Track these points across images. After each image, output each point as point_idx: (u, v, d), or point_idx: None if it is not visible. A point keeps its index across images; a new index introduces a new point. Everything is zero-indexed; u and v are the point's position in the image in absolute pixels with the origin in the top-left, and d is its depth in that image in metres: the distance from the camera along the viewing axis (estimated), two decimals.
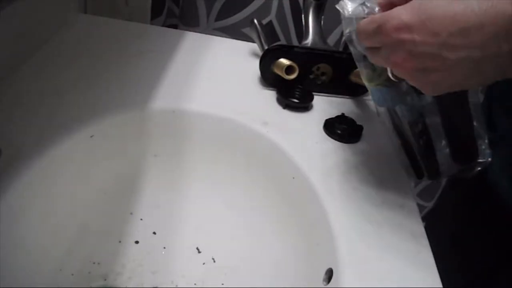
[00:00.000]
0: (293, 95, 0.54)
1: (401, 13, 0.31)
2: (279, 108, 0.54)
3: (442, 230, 0.55)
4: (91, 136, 0.44)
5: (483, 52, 0.29)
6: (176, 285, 0.45)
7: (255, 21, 0.59)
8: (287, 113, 0.53)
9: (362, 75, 0.41)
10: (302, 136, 0.50)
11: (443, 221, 0.61)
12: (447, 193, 0.67)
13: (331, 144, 0.50)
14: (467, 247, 0.57)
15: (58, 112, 0.44)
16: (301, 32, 0.61)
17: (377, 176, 0.47)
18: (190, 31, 0.65)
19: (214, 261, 0.47)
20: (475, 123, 0.43)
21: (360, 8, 0.37)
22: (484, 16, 0.28)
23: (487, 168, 0.46)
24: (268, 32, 0.60)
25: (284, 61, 0.54)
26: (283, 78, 0.54)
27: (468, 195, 0.59)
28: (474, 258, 0.56)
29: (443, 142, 0.43)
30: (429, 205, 1.04)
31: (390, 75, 0.38)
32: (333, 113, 0.54)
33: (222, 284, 0.45)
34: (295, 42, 0.81)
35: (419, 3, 0.31)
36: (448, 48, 0.30)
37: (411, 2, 0.31)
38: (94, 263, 0.44)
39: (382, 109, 0.45)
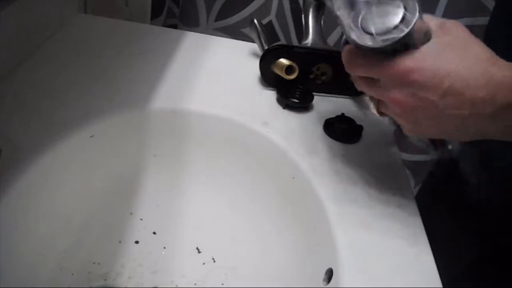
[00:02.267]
0: (293, 95, 0.54)
1: (417, 57, 0.33)
2: (279, 108, 0.54)
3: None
4: (91, 136, 0.44)
5: (470, 111, 0.32)
6: (176, 285, 0.45)
7: (255, 21, 0.59)
8: (287, 113, 0.53)
9: None
10: (302, 136, 0.50)
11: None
12: (420, 192, 0.68)
13: (331, 144, 0.50)
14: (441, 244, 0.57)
15: (58, 112, 0.44)
16: (301, 32, 0.61)
17: (377, 176, 0.47)
18: (190, 31, 0.65)
19: (214, 261, 0.47)
20: None
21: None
22: (480, 80, 0.31)
23: (458, 166, 0.49)
24: (268, 32, 0.60)
25: (284, 61, 0.54)
26: (283, 78, 0.54)
27: (439, 193, 0.59)
28: (448, 255, 0.56)
29: None
30: None
31: (374, 109, 0.39)
32: (333, 113, 0.54)
33: (222, 284, 0.45)
34: (295, 42, 0.81)
35: (436, 52, 0.33)
36: (445, 101, 0.32)
37: (427, 48, 0.33)
38: (94, 263, 0.44)
39: None
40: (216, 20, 0.80)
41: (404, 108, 0.35)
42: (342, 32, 0.62)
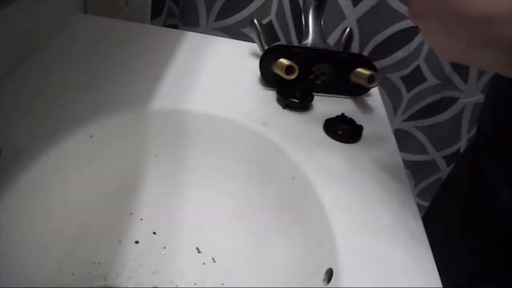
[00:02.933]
0: (293, 95, 0.54)
1: None
2: (279, 108, 0.54)
3: (435, 232, 0.56)
4: (91, 136, 0.44)
5: (485, 42, 0.28)
6: (176, 285, 0.45)
7: (255, 21, 0.59)
8: (287, 113, 0.53)
9: None
10: (302, 136, 0.50)
11: (436, 223, 0.61)
12: (441, 195, 0.67)
13: (331, 144, 0.50)
14: (459, 249, 0.57)
15: (58, 112, 0.44)
16: (301, 32, 0.61)
17: (377, 176, 0.47)
18: (190, 31, 0.65)
19: (214, 261, 0.47)
20: None
21: None
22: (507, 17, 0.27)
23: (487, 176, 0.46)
24: (268, 32, 0.60)
25: (284, 61, 0.54)
26: (283, 78, 0.54)
27: (463, 197, 0.59)
28: (465, 261, 0.56)
29: None
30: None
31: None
32: (333, 113, 0.54)
33: (222, 284, 0.45)
34: (295, 42, 0.81)
35: None
36: (462, 26, 0.29)
37: None
38: (94, 263, 0.44)
39: None
40: (216, 20, 0.80)
41: (421, 24, 0.32)
42: (342, 32, 0.62)
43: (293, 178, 0.46)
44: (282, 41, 0.82)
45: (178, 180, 0.52)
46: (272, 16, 0.79)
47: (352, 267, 0.37)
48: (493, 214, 0.53)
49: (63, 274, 0.41)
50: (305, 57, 0.55)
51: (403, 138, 0.95)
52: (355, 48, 0.81)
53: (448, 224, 0.60)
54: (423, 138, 0.96)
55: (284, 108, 0.54)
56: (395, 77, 0.86)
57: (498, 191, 0.51)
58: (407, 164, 0.99)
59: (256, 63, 0.56)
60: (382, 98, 0.61)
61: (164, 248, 0.48)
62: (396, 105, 0.90)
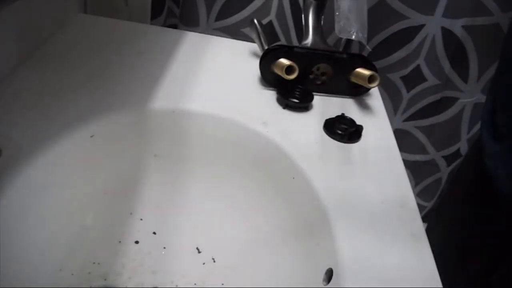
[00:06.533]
0: (293, 95, 0.54)
1: None
2: (279, 108, 0.54)
3: (443, 230, 0.55)
4: (91, 136, 0.44)
5: None
6: (176, 285, 0.45)
7: (255, 21, 0.59)
8: (287, 113, 0.53)
9: None
10: (302, 136, 0.50)
11: (444, 221, 0.61)
12: (447, 193, 0.67)
13: (331, 144, 0.50)
14: (469, 246, 0.57)
15: (58, 112, 0.44)
16: (301, 32, 0.61)
17: (377, 176, 0.47)
18: (190, 31, 0.65)
19: (214, 261, 0.47)
20: None
21: None
22: None
23: (486, 161, 0.46)
24: (268, 32, 0.60)
25: (284, 61, 0.54)
26: (283, 78, 0.54)
27: (468, 193, 0.59)
28: (475, 257, 0.56)
29: None
30: (429, 205, 1.04)
31: None
32: (333, 113, 0.54)
33: (222, 284, 0.45)
34: (295, 42, 0.81)
35: None
36: None
37: None
38: (94, 263, 0.44)
39: None
40: (216, 20, 0.80)
41: None
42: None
43: (293, 178, 0.46)
44: (282, 41, 0.82)
45: (178, 180, 0.52)
46: (272, 16, 0.79)
47: (352, 267, 0.37)
48: (499, 215, 0.53)
49: (63, 274, 0.41)
50: (305, 57, 0.55)
51: (403, 138, 0.95)
52: (355, 48, 0.81)
53: (453, 223, 0.60)
54: (423, 138, 0.96)
55: (284, 108, 0.54)
56: (395, 77, 0.86)
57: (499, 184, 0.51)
58: (407, 164, 0.99)
59: (256, 63, 0.56)
60: (382, 98, 0.61)
61: (164, 248, 0.48)
62: (396, 105, 0.90)
